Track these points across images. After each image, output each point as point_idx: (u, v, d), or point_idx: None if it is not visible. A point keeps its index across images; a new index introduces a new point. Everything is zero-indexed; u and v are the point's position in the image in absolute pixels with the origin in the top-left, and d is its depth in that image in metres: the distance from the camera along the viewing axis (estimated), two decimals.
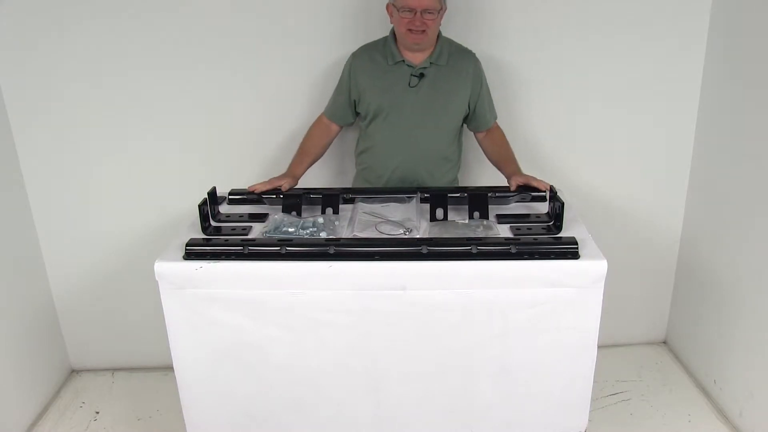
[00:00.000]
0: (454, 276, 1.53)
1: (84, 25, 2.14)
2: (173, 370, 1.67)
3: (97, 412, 2.37)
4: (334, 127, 2.12)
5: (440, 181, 2.08)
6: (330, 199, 1.86)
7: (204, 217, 1.73)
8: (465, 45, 2.08)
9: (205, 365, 1.65)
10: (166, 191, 2.36)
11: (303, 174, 2.04)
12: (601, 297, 1.54)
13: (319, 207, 1.85)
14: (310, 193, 1.91)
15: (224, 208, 1.93)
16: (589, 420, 1.71)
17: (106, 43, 2.17)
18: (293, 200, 1.86)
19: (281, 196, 1.90)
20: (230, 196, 1.96)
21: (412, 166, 2.04)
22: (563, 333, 1.58)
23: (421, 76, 1.99)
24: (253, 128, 2.29)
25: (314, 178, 2.33)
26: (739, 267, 2.12)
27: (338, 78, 2.08)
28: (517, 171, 2.00)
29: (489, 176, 2.27)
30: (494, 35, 2.22)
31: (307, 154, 2.08)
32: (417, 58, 1.99)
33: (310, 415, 1.72)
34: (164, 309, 1.59)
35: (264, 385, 1.68)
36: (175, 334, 1.62)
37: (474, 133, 2.14)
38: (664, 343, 2.70)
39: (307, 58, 2.20)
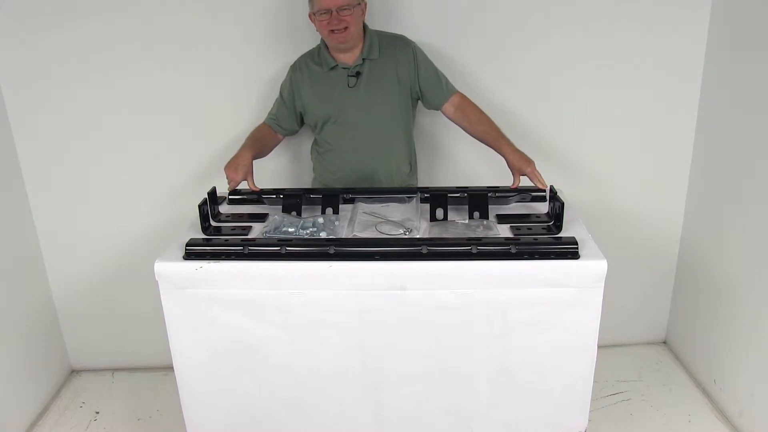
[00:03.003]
0: (454, 276, 1.53)
1: (84, 26, 2.15)
2: (173, 370, 1.67)
3: (97, 412, 2.37)
4: (279, 136, 2.14)
5: (397, 174, 2.09)
6: (330, 199, 1.86)
7: (204, 217, 1.73)
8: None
9: (205, 365, 1.65)
10: (166, 191, 2.36)
11: (255, 157, 1.95)
12: (601, 297, 1.54)
13: (319, 207, 1.85)
14: (310, 193, 1.91)
15: (224, 208, 1.93)
16: (589, 420, 1.70)
17: (106, 44, 2.17)
18: (293, 200, 1.86)
19: (281, 196, 1.90)
20: (230, 196, 1.96)
21: (367, 165, 2.06)
22: (563, 333, 1.58)
23: (358, 74, 2.00)
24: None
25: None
26: (739, 267, 2.11)
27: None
28: (513, 150, 1.92)
29: (488, 175, 2.27)
30: (494, 35, 2.23)
31: (258, 141, 2.03)
32: (350, 59, 2.01)
33: (310, 415, 1.71)
34: (164, 309, 1.59)
35: (264, 385, 1.68)
36: (175, 334, 1.62)
37: (444, 114, 2.10)
38: (664, 343, 2.70)
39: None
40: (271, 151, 2.12)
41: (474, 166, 2.34)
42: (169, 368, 1.68)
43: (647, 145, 2.38)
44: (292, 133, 2.17)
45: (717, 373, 2.27)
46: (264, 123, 2.12)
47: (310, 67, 2.05)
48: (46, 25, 2.14)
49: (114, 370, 2.62)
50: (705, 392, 2.35)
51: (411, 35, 2.09)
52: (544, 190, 1.87)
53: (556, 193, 1.76)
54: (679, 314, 2.58)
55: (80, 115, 2.25)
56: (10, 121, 2.23)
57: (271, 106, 2.14)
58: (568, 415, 1.69)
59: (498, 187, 1.92)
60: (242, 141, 2.00)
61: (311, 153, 2.20)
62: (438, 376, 1.64)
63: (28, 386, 2.30)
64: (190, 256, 1.58)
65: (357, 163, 2.07)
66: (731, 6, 2.11)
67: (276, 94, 2.14)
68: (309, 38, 2.13)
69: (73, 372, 2.62)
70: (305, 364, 1.64)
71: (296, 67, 2.08)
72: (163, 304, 1.58)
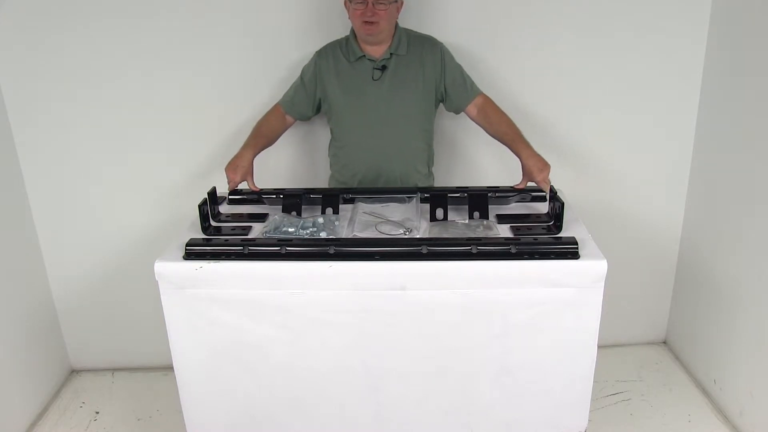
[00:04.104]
0: (454, 276, 1.53)
1: (84, 26, 2.15)
2: (173, 370, 1.67)
3: (97, 412, 2.37)
4: (290, 120, 2.11)
5: (415, 173, 2.08)
6: (330, 199, 1.86)
7: (204, 217, 1.73)
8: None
9: (205, 365, 1.65)
10: (166, 191, 2.36)
11: (256, 155, 1.95)
12: (601, 297, 1.54)
13: (319, 207, 1.85)
14: (310, 193, 1.91)
15: (224, 208, 1.93)
16: (589, 420, 1.70)
17: (106, 44, 2.17)
18: (293, 200, 1.86)
19: (281, 196, 1.90)
20: (230, 196, 1.96)
21: (384, 162, 2.05)
22: (563, 333, 1.58)
23: (383, 68, 2.00)
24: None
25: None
26: (739, 267, 2.11)
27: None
28: (529, 154, 1.88)
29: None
30: (497, 33, 2.23)
31: (262, 136, 2.02)
32: (377, 52, 2.00)
33: (310, 415, 1.71)
34: (164, 309, 1.59)
35: (264, 385, 1.68)
36: (175, 334, 1.62)
37: (467, 115, 2.09)
38: (664, 343, 2.70)
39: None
40: (278, 138, 2.10)
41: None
42: (169, 368, 1.68)
43: (647, 145, 2.38)
44: (305, 118, 2.14)
45: (717, 373, 2.27)
46: (277, 105, 2.10)
47: (336, 56, 2.04)
48: (46, 25, 2.14)
49: (114, 370, 2.62)
50: (705, 392, 2.35)
51: (439, 35, 2.09)
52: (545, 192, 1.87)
53: (556, 193, 1.76)
54: (679, 314, 2.58)
55: (80, 114, 2.25)
56: (10, 121, 2.23)
57: (271, 106, 2.13)
58: (568, 415, 1.69)
59: (498, 187, 1.92)
60: (244, 139, 2.00)
61: (329, 150, 2.18)
62: (438, 376, 1.64)
63: (28, 386, 2.30)
64: (190, 256, 1.58)
65: (374, 161, 2.05)
66: (731, 6, 2.11)
67: (277, 95, 2.13)
68: (311, 39, 2.14)
69: (73, 372, 2.62)
70: (305, 364, 1.64)
71: (322, 54, 2.06)
72: (163, 304, 1.58)
